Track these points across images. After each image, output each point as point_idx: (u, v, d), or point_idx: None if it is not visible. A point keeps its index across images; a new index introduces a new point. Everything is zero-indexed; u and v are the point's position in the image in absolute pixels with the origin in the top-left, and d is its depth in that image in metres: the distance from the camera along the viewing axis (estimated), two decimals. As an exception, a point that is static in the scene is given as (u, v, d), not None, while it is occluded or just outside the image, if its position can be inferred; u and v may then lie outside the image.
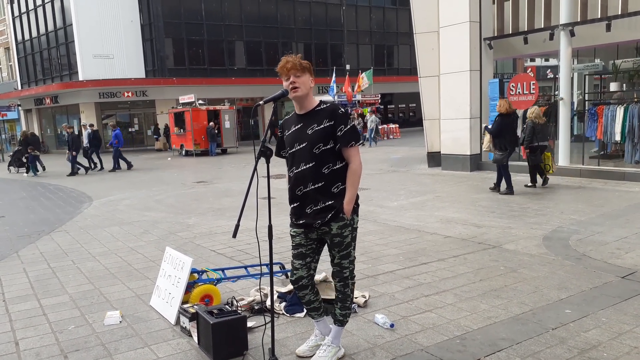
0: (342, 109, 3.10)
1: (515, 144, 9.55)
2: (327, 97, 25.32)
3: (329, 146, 3.04)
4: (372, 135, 25.12)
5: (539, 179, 10.03)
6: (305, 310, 4.01)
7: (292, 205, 3.16)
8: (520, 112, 12.54)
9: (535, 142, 9.51)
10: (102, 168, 18.76)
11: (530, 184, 9.95)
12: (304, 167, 3.06)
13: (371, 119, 25.83)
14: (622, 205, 7.79)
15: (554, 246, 5.72)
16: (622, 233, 6.14)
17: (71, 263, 5.91)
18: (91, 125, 20.81)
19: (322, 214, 3.04)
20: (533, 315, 3.82)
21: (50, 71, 33.95)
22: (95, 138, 19.51)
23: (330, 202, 3.04)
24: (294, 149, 3.10)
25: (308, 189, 3.06)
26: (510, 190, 9.26)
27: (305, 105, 3.11)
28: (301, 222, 3.11)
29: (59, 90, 30.87)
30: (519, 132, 10.13)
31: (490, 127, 9.78)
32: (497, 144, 9.35)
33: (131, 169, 18.42)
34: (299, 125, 3.11)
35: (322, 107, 3.10)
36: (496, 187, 9.64)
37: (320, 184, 3.05)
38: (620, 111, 10.56)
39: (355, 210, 3.14)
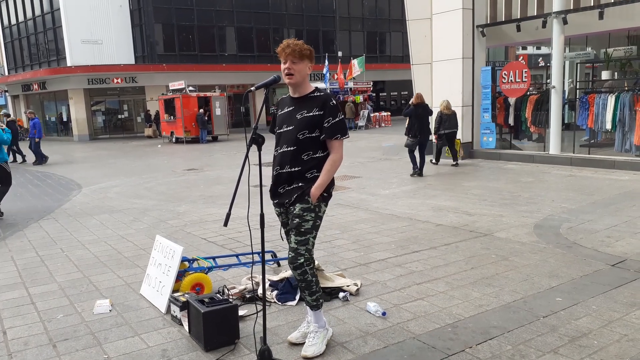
0: (334, 101, 3.10)
1: (425, 133, 10.48)
2: (321, 85, 25.08)
3: (313, 134, 3.08)
4: None
5: (450, 161, 11.89)
6: (297, 299, 4.00)
7: (271, 184, 3.25)
8: (512, 101, 12.59)
9: (442, 129, 11.25)
10: (24, 160, 17.31)
11: (434, 162, 11.90)
12: (286, 149, 3.13)
13: None
14: (612, 194, 7.84)
15: (545, 234, 5.74)
16: (612, 221, 6.18)
17: (60, 251, 5.84)
18: (7, 116, 19.18)
19: (291, 194, 3.12)
20: (524, 303, 3.84)
21: (37, 56, 33.42)
22: (12, 129, 18.14)
23: (300, 184, 3.10)
24: (281, 130, 3.18)
25: (284, 170, 3.14)
26: (419, 172, 10.41)
27: (300, 90, 3.15)
28: (275, 201, 3.23)
29: (47, 76, 30.42)
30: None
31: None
32: (408, 131, 10.50)
33: (43, 164, 16.43)
34: (291, 108, 3.16)
35: (315, 94, 3.12)
36: (416, 171, 10.47)
37: (296, 169, 3.11)
38: (611, 100, 10.59)
39: (325, 199, 3.14)
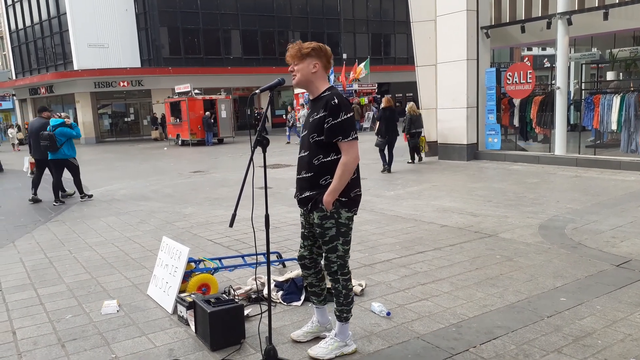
0: (336, 100, 2.90)
1: (392, 133, 11.45)
2: None
3: (321, 137, 2.96)
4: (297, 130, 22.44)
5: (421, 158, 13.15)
6: (302, 299, 4.04)
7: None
8: (517, 102, 12.58)
9: (413, 129, 12.45)
10: None
11: (410, 161, 12.88)
12: (302, 154, 3.09)
13: (303, 113, 22.49)
14: (618, 194, 7.82)
15: (550, 235, 5.75)
16: (617, 222, 6.17)
17: (68, 253, 5.91)
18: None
19: (307, 202, 3.05)
20: (528, 304, 3.85)
21: (44, 60, 33.69)
22: None
23: (314, 192, 3.00)
24: (303, 134, 3.14)
25: (301, 176, 3.08)
26: (388, 169, 11.47)
27: (312, 90, 3.06)
28: (298, 204, 3.15)
29: (54, 79, 30.67)
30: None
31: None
32: (378, 132, 11.55)
33: None
34: (310, 111, 3.10)
35: (323, 94, 3.00)
36: (386, 168, 11.51)
37: (309, 174, 3.02)
38: (616, 100, 10.56)
39: (345, 204, 2.99)
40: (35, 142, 9.29)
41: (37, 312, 4.12)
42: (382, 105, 11.78)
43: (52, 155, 9.11)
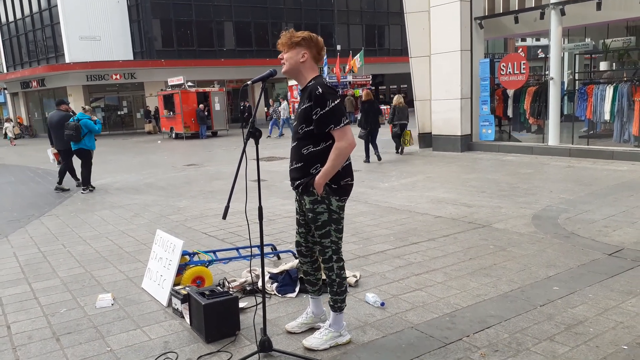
0: (320, 89, 2.86)
1: (373, 125, 11.93)
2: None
3: (310, 127, 2.95)
4: (287, 124, 21.59)
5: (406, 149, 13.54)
6: (296, 291, 4.05)
7: None
8: (510, 92, 12.60)
9: (396, 120, 12.92)
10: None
11: (397, 152, 13.37)
12: (293, 145, 3.11)
13: (283, 106, 22.10)
14: (611, 184, 7.87)
15: (543, 225, 5.78)
16: (610, 211, 6.21)
17: (62, 247, 5.89)
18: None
19: (300, 185, 3.06)
20: (521, 293, 3.88)
21: (36, 53, 33.39)
22: None
23: (306, 177, 3.02)
24: (294, 124, 3.13)
25: (292, 166, 3.09)
26: (378, 157, 12.01)
27: (300, 80, 3.05)
28: (294, 186, 3.14)
29: (46, 72, 30.41)
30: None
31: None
32: (361, 124, 11.98)
33: None
34: (299, 101, 3.09)
35: (308, 84, 2.99)
36: (365, 161, 11.96)
37: (300, 164, 3.02)
38: (609, 90, 10.59)
39: (335, 192, 2.98)
40: (57, 133, 9.84)
41: (31, 306, 4.11)
42: (363, 98, 12.46)
43: (74, 145, 9.57)
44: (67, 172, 10.21)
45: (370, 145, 12.02)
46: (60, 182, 10.09)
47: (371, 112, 12.02)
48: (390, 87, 39.51)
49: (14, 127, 28.99)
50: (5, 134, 28.57)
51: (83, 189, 9.80)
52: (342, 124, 2.89)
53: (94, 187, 10.00)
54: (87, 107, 10.28)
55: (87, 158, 9.75)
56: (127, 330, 3.56)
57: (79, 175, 10.27)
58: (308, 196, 3.01)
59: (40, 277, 4.82)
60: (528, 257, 4.71)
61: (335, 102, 2.88)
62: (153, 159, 15.73)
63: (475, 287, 4.04)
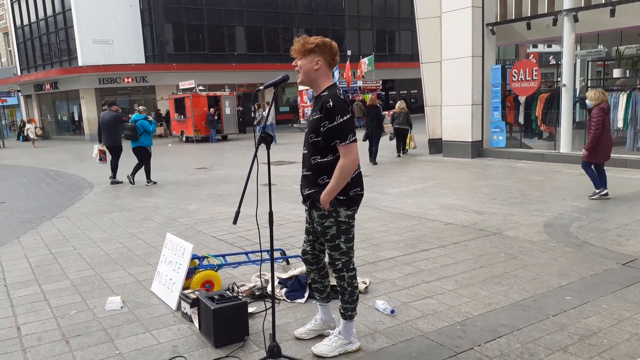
0: (331, 103, 2.82)
1: (376, 128, 12.66)
2: None
3: (317, 138, 2.92)
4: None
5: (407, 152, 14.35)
6: (305, 297, 4.03)
7: None
8: (522, 99, 12.52)
9: (395, 124, 13.79)
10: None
11: (398, 154, 14.06)
12: (304, 152, 3.09)
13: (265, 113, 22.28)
14: (624, 193, 7.77)
15: (555, 233, 5.71)
16: (623, 220, 6.13)
17: (72, 249, 5.92)
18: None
19: (308, 198, 3.05)
20: (533, 302, 3.83)
21: (49, 56, 33.73)
22: None
23: (313, 190, 3.00)
24: (305, 131, 3.10)
25: (303, 173, 3.09)
26: (372, 161, 12.68)
27: (315, 88, 3.02)
28: (302, 200, 3.14)
29: (59, 75, 30.70)
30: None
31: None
32: (365, 128, 13.01)
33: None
34: (312, 109, 3.07)
35: (322, 94, 2.95)
36: (372, 160, 12.75)
37: (309, 173, 3.03)
38: (623, 98, 10.49)
39: (343, 202, 2.95)
40: (108, 132, 10.84)
41: (41, 307, 4.13)
42: (368, 103, 13.36)
43: (133, 144, 10.57)
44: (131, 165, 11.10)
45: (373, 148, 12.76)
46: (114, 177, 11.04)
47: (376, 117, 12.73)
48: (401, 92, 39.41)
49: (35, 128, 28.60)
50: (26, 136, 28.23)
51: (147, 182, 10.79)
52: (348, 141, 2.85)
53: (155, 182, 10.87)
54: (141, 107, 11.36)
55: (145, 155, 10.69)
56: (136, 334, 3.56)
57: (115, 175, 11.19)
58: (316, 211, 3.01)
59: (50, 279, 4.84)
60: (540, 265, 4.65)
61: (344, 118, 2.84)
62: (163, 162, 15.80)
63: (487, 295, 4.00)
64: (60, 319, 3.87)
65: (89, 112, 30.49)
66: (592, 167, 7.35)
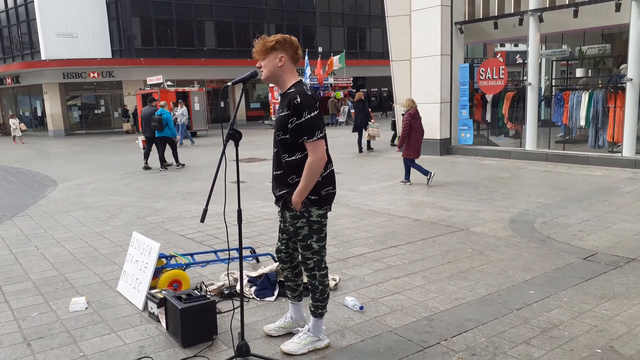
0: (298, 99, 2.80)
1: (361, 121, 14.10)
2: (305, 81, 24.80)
3: (285, 136, 2.90)
4: (184, 132, 19.99)
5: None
6: (275, 295, 4.02)
7: None
8: (489, 97, 12.76)
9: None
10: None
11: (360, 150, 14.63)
12: (274, 151, 3.08)
13: (181, 112, 20.03)
14: (586, 189, 8.02)
15: (520, 229, 5.86)
16: (584, 216, 6.32)
17: (35, 249, 5.75)
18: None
19: (279, 200, 3.04)
20: (498, 297, 3.91)
21: (11, 50, 32.63)
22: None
23: (284, 191, 2.99)
24: (274, 130, 3.08)
25: (274, 172, 3.08)
26: (360, 150, 14.28)
27: (280, 85, 3.00)
28: (275, 200, 3.13)
29: (20, 69, 29.72)
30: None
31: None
32: (354, 120, 14.58)
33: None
34: (279, 107, 3.04)
35: (289, 91, 2.93)
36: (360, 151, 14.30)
37: (279, 172, 3.01)
38: (585, 97, 10.81)
39: (315, 202, 2.94)
40: (146, 124, 12.26)
41: (1, 310, 3.99)
42: (355, 98, 14.76)
43: (158, 133, 12.06)
44: (170, 151, 12.59)
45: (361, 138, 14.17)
46: (163, 164, 12.48)
47: (359, 110, 14.23)
48: (371, 89, 39.66)
49: (20, 123, 25.47)
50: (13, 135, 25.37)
51: (176, 165, 12.60)
52: (315, 138, 2.83)
53: (184, 164, 12.69)
54: (162, 102, 12.93)
55: (170, 143, 12.40)
56: (101, 335, 3.49)
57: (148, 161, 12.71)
58: (288, 211, 3.01)
59: (11, 280, 4.69)
60: (505, 260, 4.76)
61: (312, 114, 2.82)
62: (131, 158, 15.48)
63: (453, 290, 4.07)
64: (21, 321, 3.76)
65: (53, 108, 29.61)
66: (415, 162, 8.86)
